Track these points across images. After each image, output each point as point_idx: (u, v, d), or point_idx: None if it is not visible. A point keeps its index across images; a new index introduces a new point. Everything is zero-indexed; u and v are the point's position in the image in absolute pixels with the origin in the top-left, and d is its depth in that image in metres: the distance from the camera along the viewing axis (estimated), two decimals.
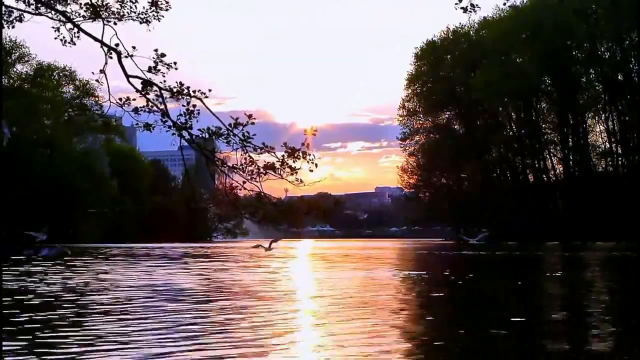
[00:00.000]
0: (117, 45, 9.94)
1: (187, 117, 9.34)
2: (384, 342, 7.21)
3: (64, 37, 11.08)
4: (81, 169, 72.88)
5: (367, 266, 23.59)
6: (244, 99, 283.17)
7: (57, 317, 9.57)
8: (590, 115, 76.89)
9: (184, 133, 9.33)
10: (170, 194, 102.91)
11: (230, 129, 9.03)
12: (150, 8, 10.64)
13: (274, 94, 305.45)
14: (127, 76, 9.64)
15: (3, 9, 11.14)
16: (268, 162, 9.09)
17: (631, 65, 71.01)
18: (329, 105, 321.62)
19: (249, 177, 9.14)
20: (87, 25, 10.79)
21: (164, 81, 9.50)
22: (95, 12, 10.46)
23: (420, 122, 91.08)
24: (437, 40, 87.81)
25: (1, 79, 47.55)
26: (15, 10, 11.37)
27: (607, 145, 75.22)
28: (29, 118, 67.69)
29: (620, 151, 73.49)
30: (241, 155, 9.23)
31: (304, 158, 8.92)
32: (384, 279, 17.09)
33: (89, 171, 73.75)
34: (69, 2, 10.81)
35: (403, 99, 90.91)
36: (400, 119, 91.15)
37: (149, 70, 9.47)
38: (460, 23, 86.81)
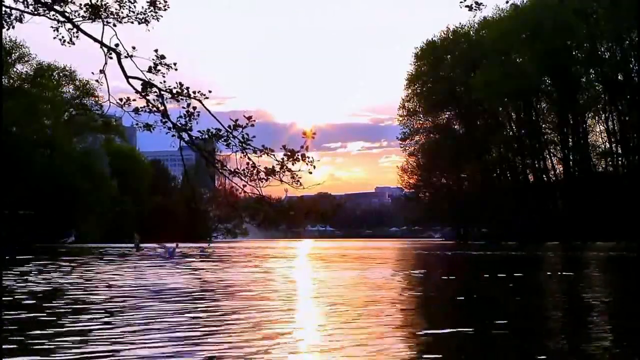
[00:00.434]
0: (116, 45, 9.94)
1: (187, 119, 9.34)
2: (382, 342, 7.21)
3: (63, 37, 11.09)
4: (81, 169, 72.87)
5: (365, 266, 23.59)
6: (244, 98, 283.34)
7: (38, 316, 9.58)
8: (590, 115, 76.90)
9: (184, 135, 9.33)
10: (170, 194, 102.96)
11: (230, 130, 9.03)
12: (148, 8, 10.65)
13: (274, 94, 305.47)
14: (127, 77, 9.65)
15: (3, 9, 11.15)
16: (269, 168, 9.09)
17: (631, 65, 71.02)
18: (329, 105, 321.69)
19: (249, 181, 9.15)
20: (86, 26, 10.81)
21: (164, 82, 9.50)
22: (94, 13, 10.46)
23: (420, 122, 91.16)
24: (437, 40, 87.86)
25: (1, 79, 47.52)
26: (14, 11, 11.38)
27: (607, 145, 75.25)
28: (29, 118, 67.66)
29: (620, 151, 73.50)
30: (241, 157, 9.24)
31: (303, 160, 8.92)
32: (382, 278, 17.09)
33: (89, 171, 73.74)
34: (68, 1, 10.82)
35: (403, 99, 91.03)
36: (400, 119, 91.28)
37: (149, 70, 9.47)
38: (460, 23, 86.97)
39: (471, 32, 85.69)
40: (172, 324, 8.67)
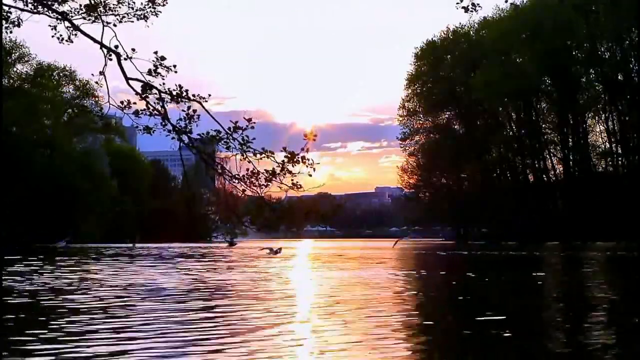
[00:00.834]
0: (116, 47, 9.94)
1: (187, 121, 9.34)
2: (381, 343, 7.21)
3: (61, 35, 11.09)
4: (81, 169, 72.90)
5: (363, 266, 23.58)
6: (244, 98, 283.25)
7: (28, 315, 9.58)
8: (590, 115, 76.92)
9: (184, 137, 9.34)
10: (170, 194, 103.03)
11: (230, 133, 9.04)
12: (147, 4, 10.66)
13: (274, 94, 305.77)
14: (127, 79, 9.65)
15: (3, 8, 11.16)
16: (269, 172, 9.10)
17: (631, 65, 71.03)
18: (329, 105, 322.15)
19: (250, 186, 9.16)
20: (86, 27, 10.82)
21: (164, 84, 9.50)
22: (92, 9, 10.46)
23: (420, 122, 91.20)
24: (437, 40, 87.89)
25: (1, 79, 47.54)
26: (13, 11, 11.39)
27: (607, 145, 75.27)
28: (29, 118, 67.70)
29: (620, 151, 73.52)
30: (241, 160, 9.25)
31: (303, 162, 8.93)
32: (382, 278, 17.09)
33: (89, 171, 73.78)
34: (67, 0, 10.83)
35: (403, 99, 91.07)
36: (400, 119, 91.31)
37: (149, 72, 9.48)
38: (460, 23, 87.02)
39: (471, 32, 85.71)
40: (164, 324, 8.66)
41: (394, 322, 9.04)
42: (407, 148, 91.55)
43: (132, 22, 10.60)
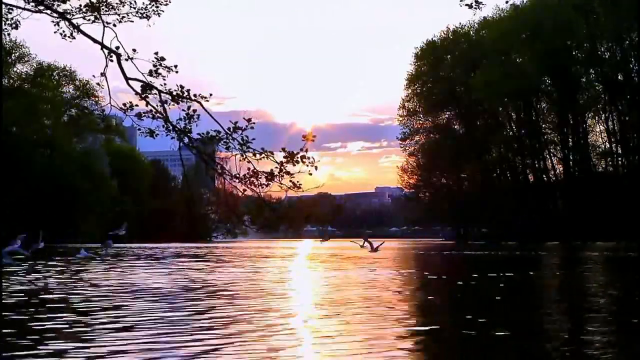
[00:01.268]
0: (117, 48, 9.94)
1: (187, 121, 9.34)
2: (381, 343, 7.21)
3: (63, 32, 11.09)
4: (81, 169, 72.93)
5: (363, 265, 23.57)
6: (244, 98, 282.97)
7: (27, 314, 9.59)
8: (590, 115, 76.92)
9: (184, 138, 9.34)
10: (170, 194, 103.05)
11: (230, 133, 9.04)
12: (150, 3, 10.64)
13: (274, 94, 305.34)
14: (127, 79, 9.65)
15: (3, 7, 11.16)
16: (268, 173, 9.10)
17: (631, 65, 71.03)
18: (329, 105, 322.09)
19: (250, 185, 9.16)
20: (87, 27, 10.82)
21: (164, 84, 9.50)
22: (94, 8, 10.46)
23: (420, 122, 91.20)
24: (437, 40, 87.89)
25: (1, 79, 47.58)
26: (13, 11, 11.39)
27: (607, 145, 75.27)
28: (29, 118, 67.74)
29: (620, 151, 73.52)
30: (240, 160, 9.25)
31: (303, 162, 8.93)
32: (381, 278, 17.09)
33: (89, 171, 73.81)
34: (67, 0, 10.82)
35: (403, 99, 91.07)
36: (400, 119, 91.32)
37: (150, 73, 9.48)
38: (460, 23, 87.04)
39: (471, 32, 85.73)
40: (162, 323, 8.67)
41: (393, 321, 9.04)
42: (407, 148, 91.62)
43: (133, 21, 10.61)
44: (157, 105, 9.52)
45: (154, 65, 9.42)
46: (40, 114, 73.09)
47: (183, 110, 9.37)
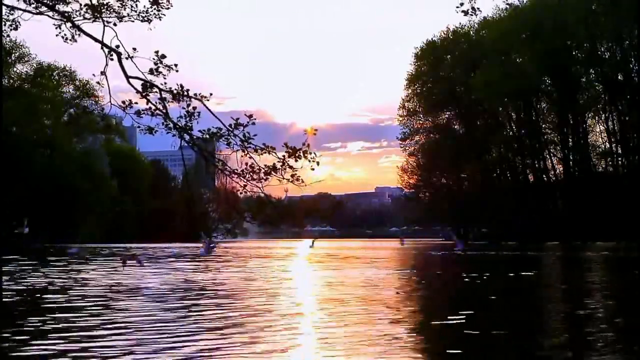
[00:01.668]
0: (117, 47, 9.93)
1: (188, 118, 9.33)
2: (379, 343, 7.21)
3: (65, 35, 11.09)
4: (81, 169, 72.90)
5: (363, 265, 23.57)
6: (244, 99, 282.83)
7: (25, 314, 9.59)
8: (590, 115, 76.83)
9: (185, 135, 9.33)
10: (170, 194, 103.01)
11: (231, 129, 9.03)
12: (151, 7, 10.64)
13: (274, 94, 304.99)
14: (127, 77, 9.65)
15: (4, 9, 11.15)
16: (269, 166, 9.08)
17: (631, 65, 70.93)
18: (329, 105, 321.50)
19: (250, 180, 9.14)
20: (87, 26, 10.81)
21: (165, 83, 9.49)
22: (95, 11, 10.46)
23: (420, 122, 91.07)
24: (437, 41, 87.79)
25: (1, 79, 47.53)
26: (14, 12, 11.38)
27: (607, 145, 75.18)
28: (29, 118, 67.72)
29: (620, 151, 73.43)
30: (242, 156, 9.25)
31: (305, 157, 8.91)
32: (380, 278, 17.08)
33: (89, 171, 73.78)
34: (69, 1, 10.82)
35: (403, 99, 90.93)
36: (400, 119, 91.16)
37: (150, 72, 9.47)
38: (460, 23, 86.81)
39: (471, 32, 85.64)
40: (154, 324, 8.66)
41: (393, 321, 9.03)
42: (407, 148, 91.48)
43: (133, 21, 10.59)
44: (157, 103, 9.51)
45: (155, 64, 9.42)
46: (40, 114, 73.08)
47: (183, 108, 9.37)
